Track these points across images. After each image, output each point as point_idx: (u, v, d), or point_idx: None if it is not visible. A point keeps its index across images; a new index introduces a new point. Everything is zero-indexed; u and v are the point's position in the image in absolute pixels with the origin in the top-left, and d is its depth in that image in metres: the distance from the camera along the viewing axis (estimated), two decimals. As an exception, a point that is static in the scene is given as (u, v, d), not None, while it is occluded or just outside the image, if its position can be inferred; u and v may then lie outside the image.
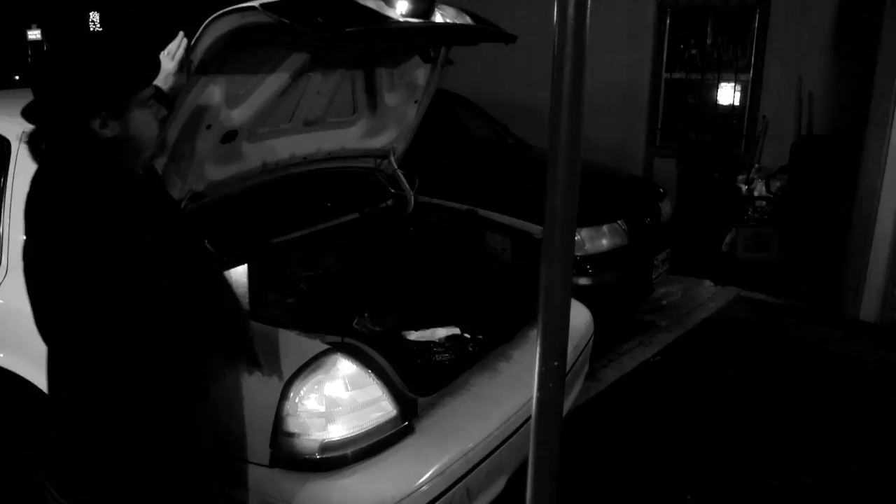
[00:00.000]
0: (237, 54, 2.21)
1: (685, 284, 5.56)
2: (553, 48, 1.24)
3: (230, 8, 1.99)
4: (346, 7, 2.04)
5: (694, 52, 6.97)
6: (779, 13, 6.23)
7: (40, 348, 2.37)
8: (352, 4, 2.06)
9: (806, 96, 6.09)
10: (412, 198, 3.44)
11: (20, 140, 2.61)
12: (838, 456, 3.24)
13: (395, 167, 3.42)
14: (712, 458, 3.24)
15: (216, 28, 1.99)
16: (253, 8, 1.93)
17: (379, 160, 3.43)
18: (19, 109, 3.04)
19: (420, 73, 3.15)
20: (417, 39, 2.78)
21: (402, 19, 2.10)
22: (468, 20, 2.39)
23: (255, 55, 2.34)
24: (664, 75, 7.03)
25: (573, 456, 2.77)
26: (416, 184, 3.49)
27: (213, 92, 2.26)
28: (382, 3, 2.11)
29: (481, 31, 2.42)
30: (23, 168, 2.58)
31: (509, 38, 2.50)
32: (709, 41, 6.85)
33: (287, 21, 1.93)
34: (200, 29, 2.00)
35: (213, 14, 2.01)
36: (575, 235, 1.34)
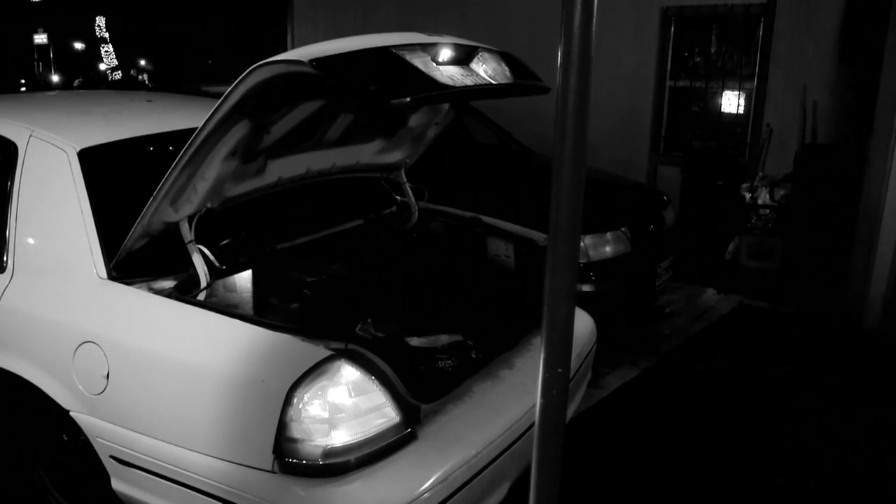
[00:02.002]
0: (274, 96, 2.22)
1: (688, 292, 5.56)
2: (558, 55, 1.25)
3: (277, 58, 1.99)
4: (396, 71, 2.02)
5: (698, 59, 6.98)
6: (783, 21, 6.24)
7: (46, 351, 2.40)
8: (401, 65, 2.04)
9: (810, 105, 6.09)
10: (416, 211, 3.46)
11: (28, 144, 2.63)
12: (843, 462, 3.23)
13: (405, 179, 3.44)
14: (715, 466, 3.24)
15: (260, 74, 2.00)
16: (301, 62, 1.92)
17: (388, 172, 3.46)
18: (27, 114, 3.08)
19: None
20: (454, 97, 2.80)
21: (444, 78, 2.09)
22: (506, 70, 2.39)
23: (289, 95, 2.35)
24: (668, 83, 7.04)
25: (575, 463, 2.77)
26: (425, 196, 3.51)
27: (244, 125, 2.28)
28: (428, 59, 2.11)
29: (518, 87, 2.43)
30: (30, 172, 2.60)
31: (544, 90, 2.53)
32: (713, 49, 6.86)
33: (343, 87, 1.94)
34: (244, 73, 2.01)
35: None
36: (579, 243, 1.34)
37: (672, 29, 6.91)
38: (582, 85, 1.26)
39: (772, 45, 6.34)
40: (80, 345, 2.27)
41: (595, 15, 1.24)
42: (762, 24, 6.39)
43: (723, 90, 6.80)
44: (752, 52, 6.55)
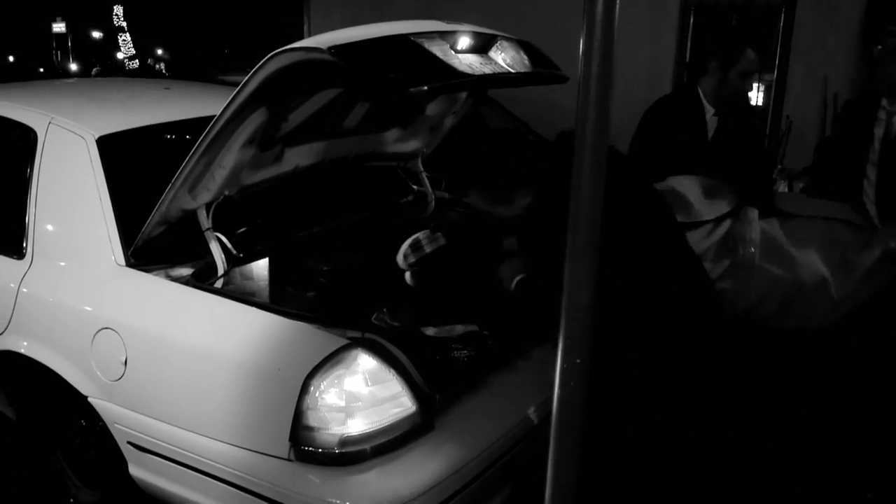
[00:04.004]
0: (292, 84, 2.22)
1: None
2: (580, 43, 1.24)
3: (295, 45, 1.98)
4: (414, 59, 2.01)
5: (717, 51, 6.90)
6: (805, 13, 6.15)
7: (65, 337, 2.42)
8: (420, 53, 2.02)
9: (831, 97, 6.02)
10: (433, 200, 3.45)
11: (47, 131, 2.64)
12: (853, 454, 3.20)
13: (421, 168, 3.44)
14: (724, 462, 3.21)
15: (278, 61, 1.99)
16: (319, 49, 1.91)
17: (405, 160, 3.46)
18: (46, 101, 3.09)
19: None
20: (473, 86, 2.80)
21: (462, 66, 2.08)
22: (525, 59, 2.37)
23: (307, 83, 2.35)
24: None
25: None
26: (442, 185, 3.50)
27: (262, 113, 2.28)
28: (447, 47, 2.09)
29: (536, 76, 2.41)
30: (49, 159, 2.61)
31: (562, 80, 2.52)
32: (733, 40, 6.78)
33: (361, 75, 1.95)
34: (263, 60, 2.00)
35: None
36: (599, 232, 1.33)
37: (691, 19, 6.83)
38: (604, 72, 1.24)
39: (792, 36, 6.26)
40: (98, 331, 2.28)
41: (618, 1, 1.22)
42: (783, 16, 6.31)
43: (742, 82, 6.72)
44: (773, 44, 6.47)
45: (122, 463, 2.34)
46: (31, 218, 2.58)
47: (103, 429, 2.36)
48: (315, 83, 2.38)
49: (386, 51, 2.00)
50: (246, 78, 2.06)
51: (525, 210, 2.13)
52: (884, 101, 2.69)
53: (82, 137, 2.57)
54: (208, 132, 2.16)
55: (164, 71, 42.47)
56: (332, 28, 2.39)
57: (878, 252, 2.45)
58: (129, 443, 2.29)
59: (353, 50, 1.94)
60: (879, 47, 2.63)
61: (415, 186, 3.52)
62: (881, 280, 2.45)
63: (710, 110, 3.14)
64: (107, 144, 2.57)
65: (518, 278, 2.22)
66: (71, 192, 2.55)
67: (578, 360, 1.38)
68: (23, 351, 2.50)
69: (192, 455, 2.12)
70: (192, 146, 2.20)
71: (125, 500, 2.51)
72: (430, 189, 3.47)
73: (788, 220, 2.63)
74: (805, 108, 6.20)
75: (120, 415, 2.28)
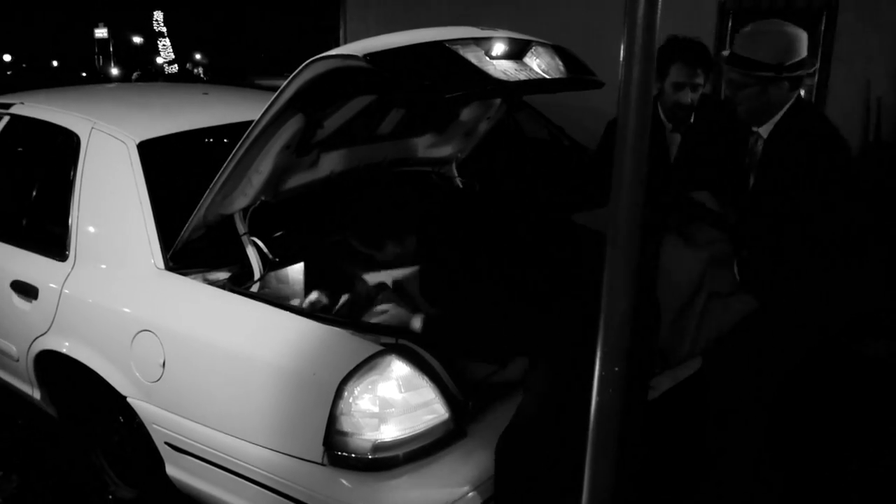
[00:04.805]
0: (328, 91, 2.23)
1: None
2: (621, 47, 1.22)
3: (331, 53, 1.99)
4: (449, 65, 2.01)
5: (756, 54, 6.80)
6: (847, 16, 6.03)
7: (105, 338, 2.46)
8: (454, 60, 2.02)
9: (874, 102, 5.89)
10: None
11: (90, 136, 2.69)
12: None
13: (456, 174, 3.44)
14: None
15: (314, 68, 2.00)
16: (355, 57, 1.92)
17: (439, 166, 3.46)
18: (89, 106, 3.14)
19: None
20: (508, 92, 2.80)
21: (497, 73, 2.07)
22: (560, 64, 2.36)
23: (343, 90, 2.36)
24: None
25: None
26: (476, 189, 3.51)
27: (298, 119, 2.30)
28: (482, 54, 2.09)
29: (571, 82, 2.41)
30: (92, 163, 2.66)
31: (598, 85, 2.50)
32: (772, 44, 6.67)
33: (396, 82, 1.97)
34: (299, 68, 2.01)
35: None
36: (639, 240, 1.31)
37: (730, 24, 6.74)
38: (645, 77, 1.23)
39: (834, 39, 6.14)
40: (137, 333, 2.31)
41: (660, 5, 1.21)
42: (824, 19, 6.20)
43: (782, 86, 6.61)
44: (814, 48, 6.35)
45: (160, 462, 2.37)
46: (74, 221, 2.63)
47: (141, 429, 2.40)
48: (351, 90, 2.39)
49: (421, 58, 2.00)
50: (283, 85, 2.08)
51: (398, 257, 2.28)
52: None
53: (123, 142, 2.61)
54: (246, 138, 2.18)
55: (202, 75, 43.13)
56: (368, 32, 2.39)
57: (702, 302, 2.43)
58: (166, 443, 2.32)
59: (388, 57, 1.95)
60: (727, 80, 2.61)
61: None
62: (705, 338, 2.43)
63: (667, 125, 3.03)
64: (147, 149, 2.61)
65: (420, 318, 2.19)
66: (112, 196, 2.59)
67: (617, 369, 1.36)
68: (64, 351, 2.55)
69: (227, 457, 2.14)
70: (230, 151, 2.22)
71: (162, 497, 2.54)
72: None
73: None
74: (847, 112, 6.07)
75: (157, 416, 2.31)
